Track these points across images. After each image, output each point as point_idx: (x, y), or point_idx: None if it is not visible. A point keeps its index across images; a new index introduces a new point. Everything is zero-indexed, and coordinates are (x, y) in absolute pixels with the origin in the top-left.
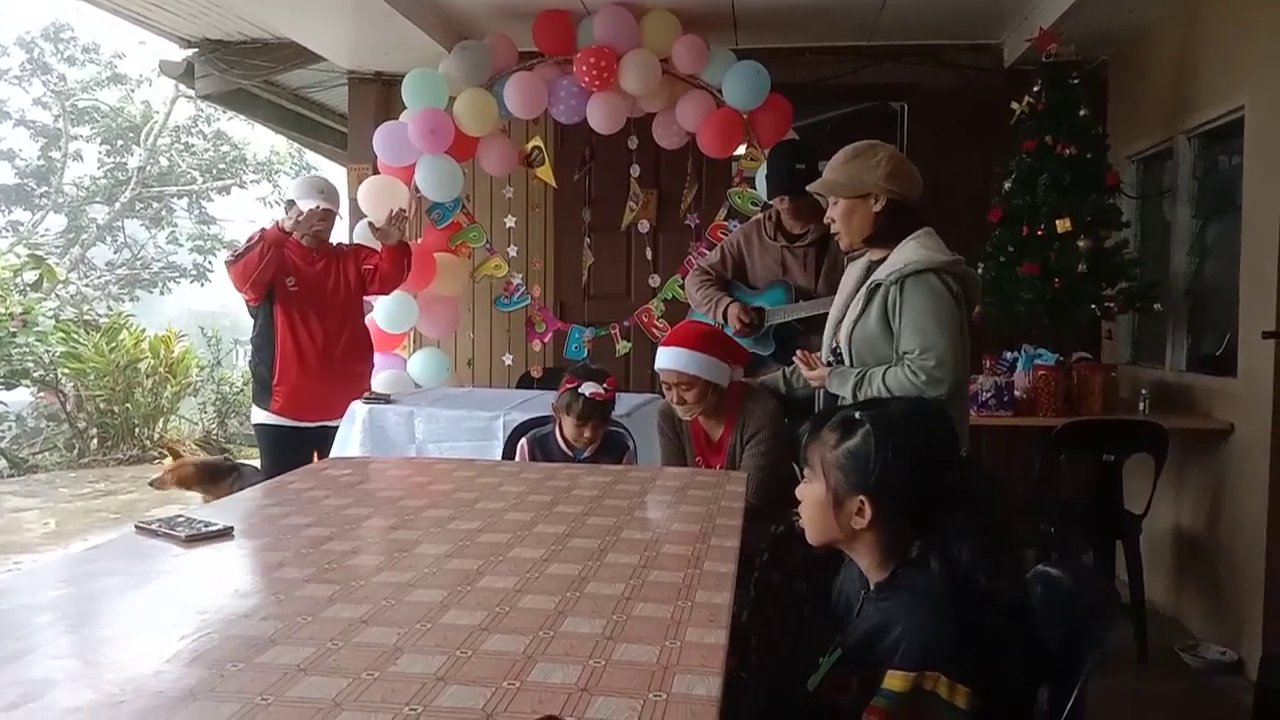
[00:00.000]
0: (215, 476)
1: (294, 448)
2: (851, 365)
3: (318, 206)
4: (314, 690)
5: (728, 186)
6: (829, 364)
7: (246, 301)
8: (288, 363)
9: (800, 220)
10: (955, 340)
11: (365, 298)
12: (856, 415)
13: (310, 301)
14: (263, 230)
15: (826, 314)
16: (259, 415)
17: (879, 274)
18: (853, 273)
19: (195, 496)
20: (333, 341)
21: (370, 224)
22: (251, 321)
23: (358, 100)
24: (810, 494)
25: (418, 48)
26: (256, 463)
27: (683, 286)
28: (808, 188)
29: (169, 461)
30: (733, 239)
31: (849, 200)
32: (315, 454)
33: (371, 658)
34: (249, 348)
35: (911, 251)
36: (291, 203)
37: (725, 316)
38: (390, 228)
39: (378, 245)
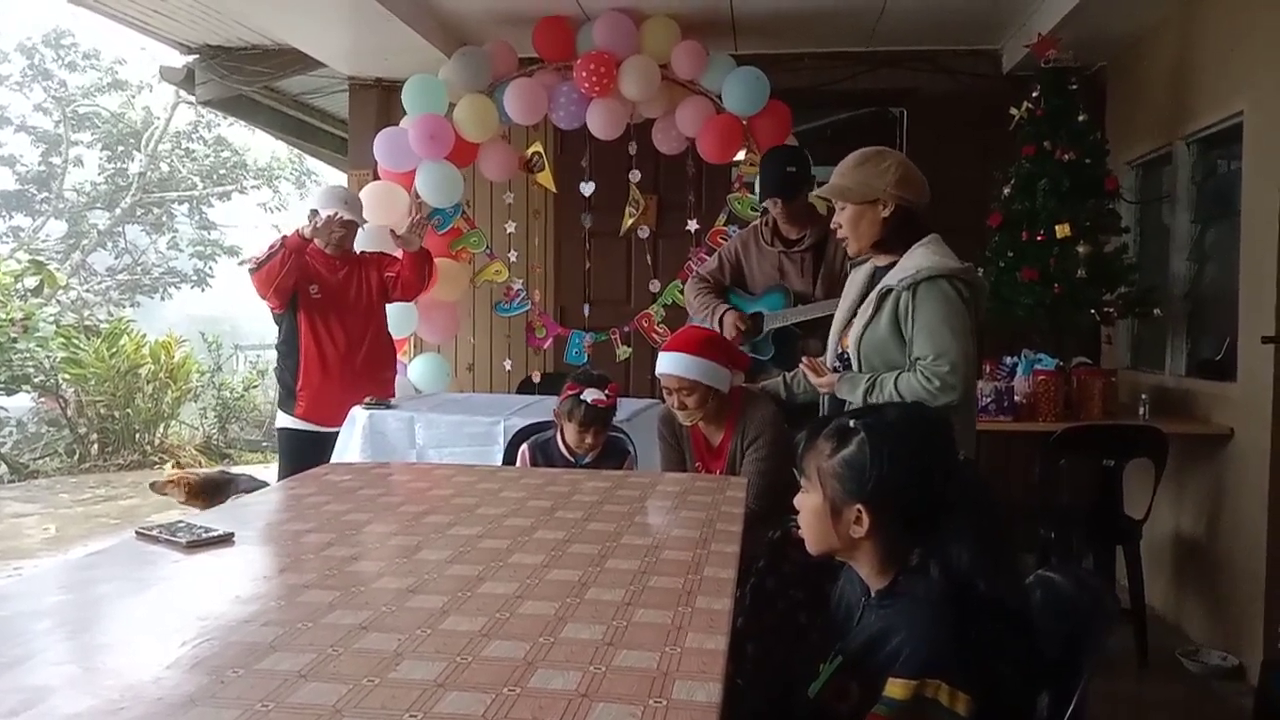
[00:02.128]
0: (216, 491)
1: (314, 452)
2: (860, 371)
3: (336, 214)
4: (314, 696)
5: (727, 192)
6: (835, 370)
7: (271, 309)
8: (311, 368)
9: (795, 224)
10: (967, 346)
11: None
12: (851, 424)
13: (333, 308)
14: (284, 237)
15: (824, 317)
16: (283, 420)
17: (889, 279)
18: (857, 278)
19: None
20: (355, 348)
21: (392, 231)
22: (275, 329)
23: (358, 106)
24: (808, 504)
25: (418, 53)
26: (254, 470)
27: (683, 291)
28: (817, 192)
29: (170, 470)
30: (730, 246)
31: (857, 206)
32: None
33: (372, 664)
34: (268, 354)
35: (922, 257)
36: (315, 211)
37: (721, 324)
38: (411, 234)
39: (397, 252)
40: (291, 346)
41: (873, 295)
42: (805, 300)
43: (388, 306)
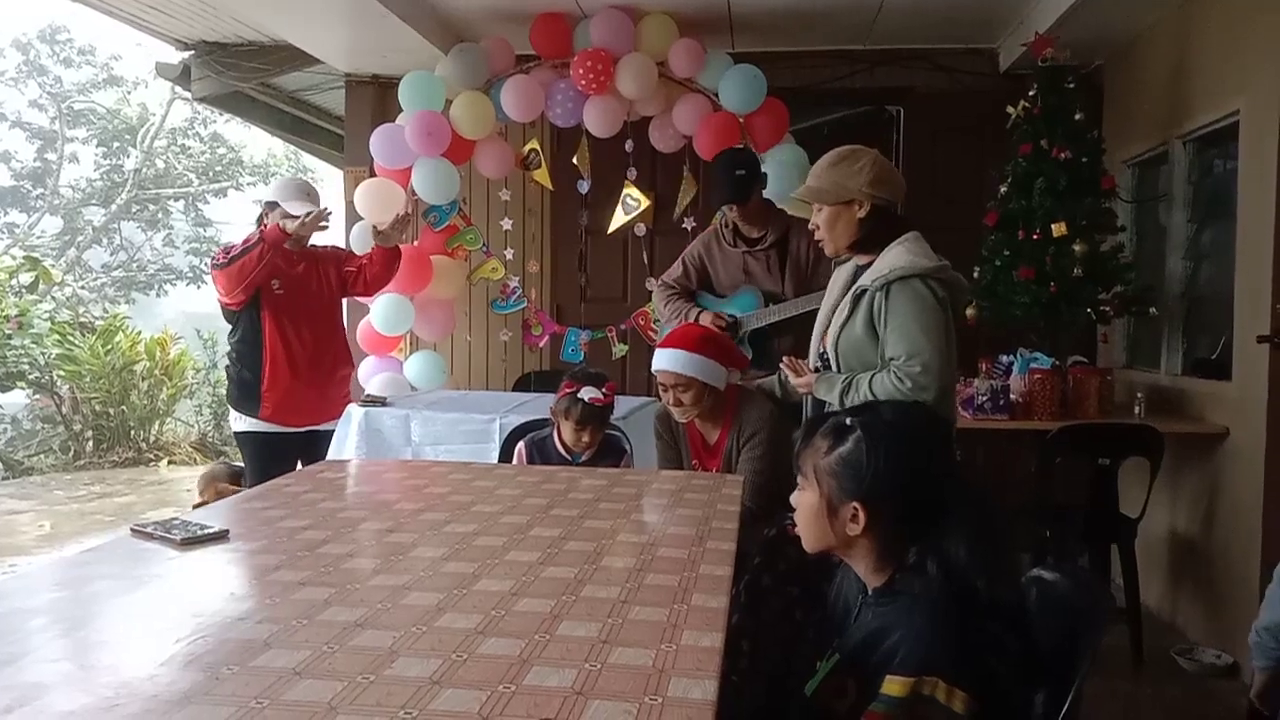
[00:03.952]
0: (236, 479)
1: (282, 454)
2: (838, 371)
3: (325, 209)
4: (309, 693)
5: None
6: (816, 370)
7: (228, 306)
8: (278, 368)
9: (754, 224)
10: (941, 346)
11: (357, 300)
12: (848, 421)
13: (297, 305)
14: (261, 232)
15: (796, 316)
16: (243, 423)
17: (864, 279)
18: (839, 278)
19: (191, 499)
20: (323, 345)
21: (374, 227)
22: (229, 327)
23: (354, 103)
24: (804, 501)
25: (414, 50)
26: None
27: None
28: (793, 194)
29: (201, 482)
30: (693, 250)
31: (833, 207)
32: (300, 460)
33: (367, 661)
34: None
35: (897, 257)
36: (274, 204)
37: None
38: (392, 231)
39: (366, 247)
40: (253, 345)
41: (848, 296)
42: (775, 298)
43: (380, 301)
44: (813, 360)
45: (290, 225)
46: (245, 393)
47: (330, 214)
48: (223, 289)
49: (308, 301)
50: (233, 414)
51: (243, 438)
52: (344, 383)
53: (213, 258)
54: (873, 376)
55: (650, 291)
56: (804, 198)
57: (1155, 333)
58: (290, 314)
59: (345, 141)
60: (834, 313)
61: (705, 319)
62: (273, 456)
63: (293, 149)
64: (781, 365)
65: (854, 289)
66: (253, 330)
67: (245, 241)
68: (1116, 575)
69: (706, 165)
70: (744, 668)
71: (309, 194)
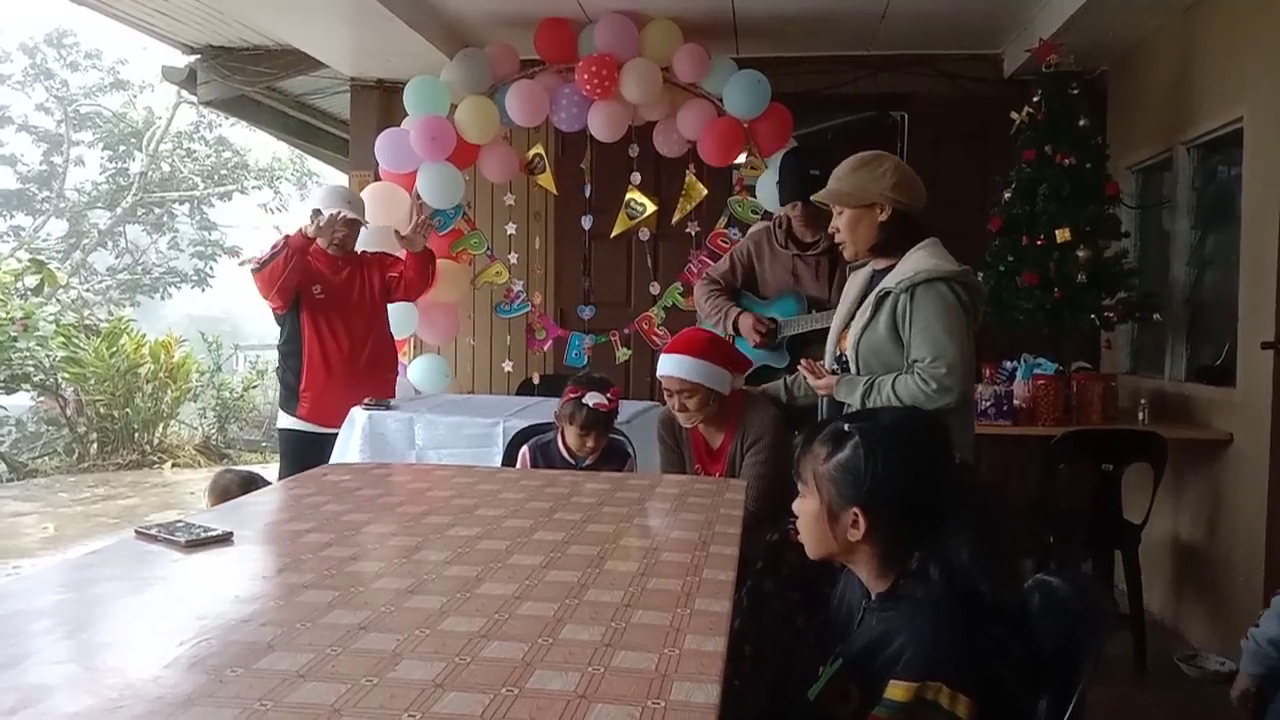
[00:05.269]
0: (248, 488)
1: (316, 453)
2: (858, 373)
3: (339, 213)
4: (313, 696)
5: (728, 195)
6: (834, 372)
7: (273, 309)
8: (314, 369)
9: (812, 228)
10: (965, 349)
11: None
12: (846, 428)
13: (337, 309)
14: (286, 237)
15: None
16: (285, 420)
17: (888, 282)
18: (855, 282)
19: (195, 501)
20: (359, 348)
21: (396, 231)
22: (277, 330)
23: (360, 107)
24: (805, 508)
25: (420, 55)
26: (256, 469)
27: (683, 294)
28: (812, 197)
29: (212, 495)
30: (742, 247)
31: (855, 210)
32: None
33: (370, 664)
34: (267, 354)
35: (920, 260)
36: (317, 211)
37: (737, 327)
38: (415, 235)
39: (399, 252)
40: (295, 347)
41: (871, 298)
42: (820, 306)
43: (388, 307)
44: (829, 362)
45: (310, 230)
46: (288, 392)
47: (342, 216)
48: (261, 293)
49: (348, 305)
50: (279, 413)
51: (282, 435)
52: (386, 385)
53: (250, 264)
54: (895, 378)
55: (654, 296)
56: (826, 200)
57: (1159, 338)
58: (329, 317)
59: (350, 145)
60: (852, 316)
61: (745, 321)
62: (306, 455)
63: (298, 153)
64: (800, 367)
65: (877, 291)
66: (295, 332)
67: (274, 247)
68: (1120, 581)
69: (711, 170)
70: (746, 672)
71: (349, 200)
